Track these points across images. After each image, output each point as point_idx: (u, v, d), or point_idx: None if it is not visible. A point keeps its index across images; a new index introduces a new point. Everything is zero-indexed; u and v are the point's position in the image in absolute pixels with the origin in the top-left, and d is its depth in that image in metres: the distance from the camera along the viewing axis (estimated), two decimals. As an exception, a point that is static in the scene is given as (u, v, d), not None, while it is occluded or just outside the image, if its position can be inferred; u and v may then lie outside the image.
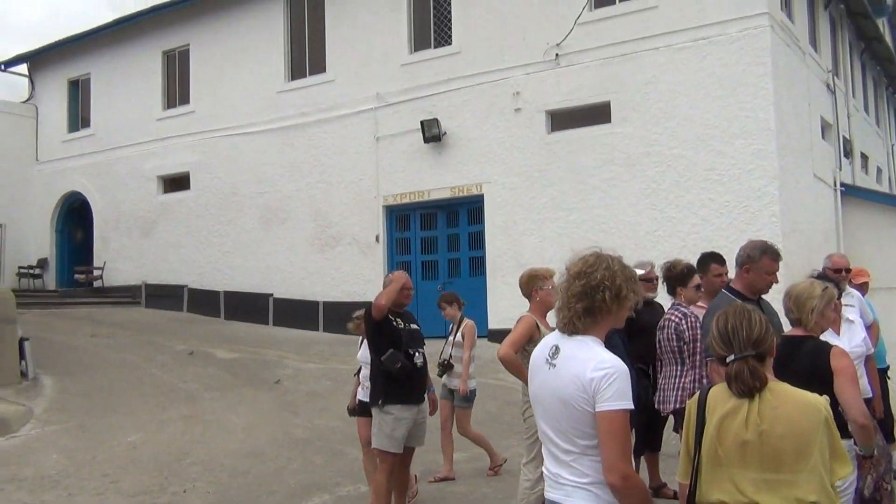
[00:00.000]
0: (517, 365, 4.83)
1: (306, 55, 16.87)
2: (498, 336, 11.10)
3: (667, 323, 5.30)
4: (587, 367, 2.57)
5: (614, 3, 13.09)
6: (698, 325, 5.12)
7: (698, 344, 5.10)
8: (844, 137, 15.87)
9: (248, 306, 16.98)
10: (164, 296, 18.64)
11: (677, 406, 5.38)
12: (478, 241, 14.42)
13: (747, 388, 2.58)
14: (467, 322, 7.31)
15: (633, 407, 2.57)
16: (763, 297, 4.60)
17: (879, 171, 20.10)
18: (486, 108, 14.08)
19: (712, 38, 12.05)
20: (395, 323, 5.53)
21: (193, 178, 18.48)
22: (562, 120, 13.52)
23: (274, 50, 17.11)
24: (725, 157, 11.90)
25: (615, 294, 2.67)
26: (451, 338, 7.29)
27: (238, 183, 17.57)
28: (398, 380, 5.40)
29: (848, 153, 16.21)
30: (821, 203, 13.96)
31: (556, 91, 13.39)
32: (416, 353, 5.54)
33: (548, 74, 13.46)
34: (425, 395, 5.78)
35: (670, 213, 12.29)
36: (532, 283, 5.22)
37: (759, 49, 11.74)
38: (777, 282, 4.57)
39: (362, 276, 15.35)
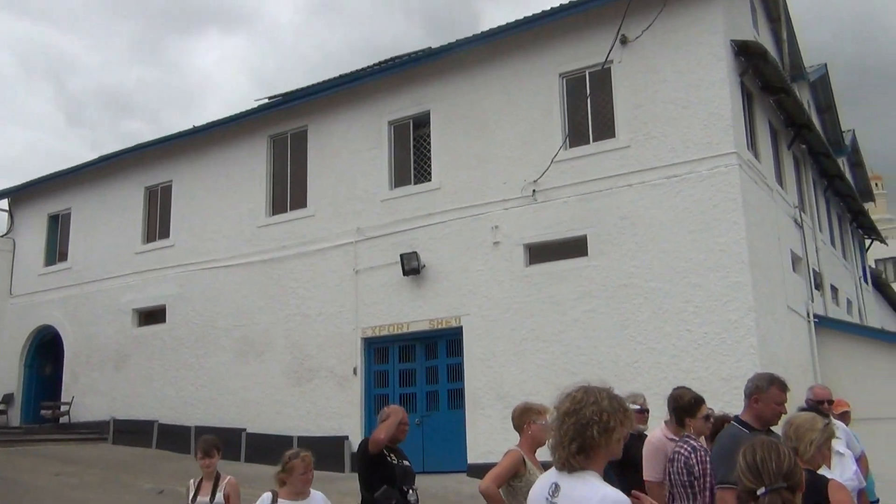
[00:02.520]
0: (497, 499, 4.69)
1: (288, 190, 17.14)
2: (477, 471, 10.83)
3: (676, 457, 5.20)
4: None
5: (588, 142, 13.59)
6: (708, 458, 5.04)
7: (708, 478, 5.00)
8: (814, 270, 16.22)
9: (220, 442, 16.42)
10: (133, 431, 18.05)
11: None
12: (457, 373, 14.29)
13: (785, 522, 2.54)
14: (229, 479, 6.53)
15: None
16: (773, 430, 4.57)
17: (850, 303, 20.44)
18: (465, 241, 14.30)
19: (684, 176, 12.49)
20: (389, 458, 5.38)
21: (170, 310, 18.32)
22: (540, 253, 13.74)
23: (256, 186, 17.40)
24: (701, 289, 12.09)
25: (603, 429, 2.66)
26: (202, 498, 6.34)
27: (215, 316, 17.44)
28: (391, 519, 5.20)
29: (819, 285, 16.52)
30: (796, 335, 14.09)
31: (534, 225, 13.67)
32: (410, 491, 5.36)
33: (525, 209, 13.78)
34: (418, 536, 5.55)
35: (650, 345, 12.33)
36: (525, 416, 5.11)
37: (730, 186, 12.16)
38: (786, 412, 4.57)
39: (339, 409, 15.07)
